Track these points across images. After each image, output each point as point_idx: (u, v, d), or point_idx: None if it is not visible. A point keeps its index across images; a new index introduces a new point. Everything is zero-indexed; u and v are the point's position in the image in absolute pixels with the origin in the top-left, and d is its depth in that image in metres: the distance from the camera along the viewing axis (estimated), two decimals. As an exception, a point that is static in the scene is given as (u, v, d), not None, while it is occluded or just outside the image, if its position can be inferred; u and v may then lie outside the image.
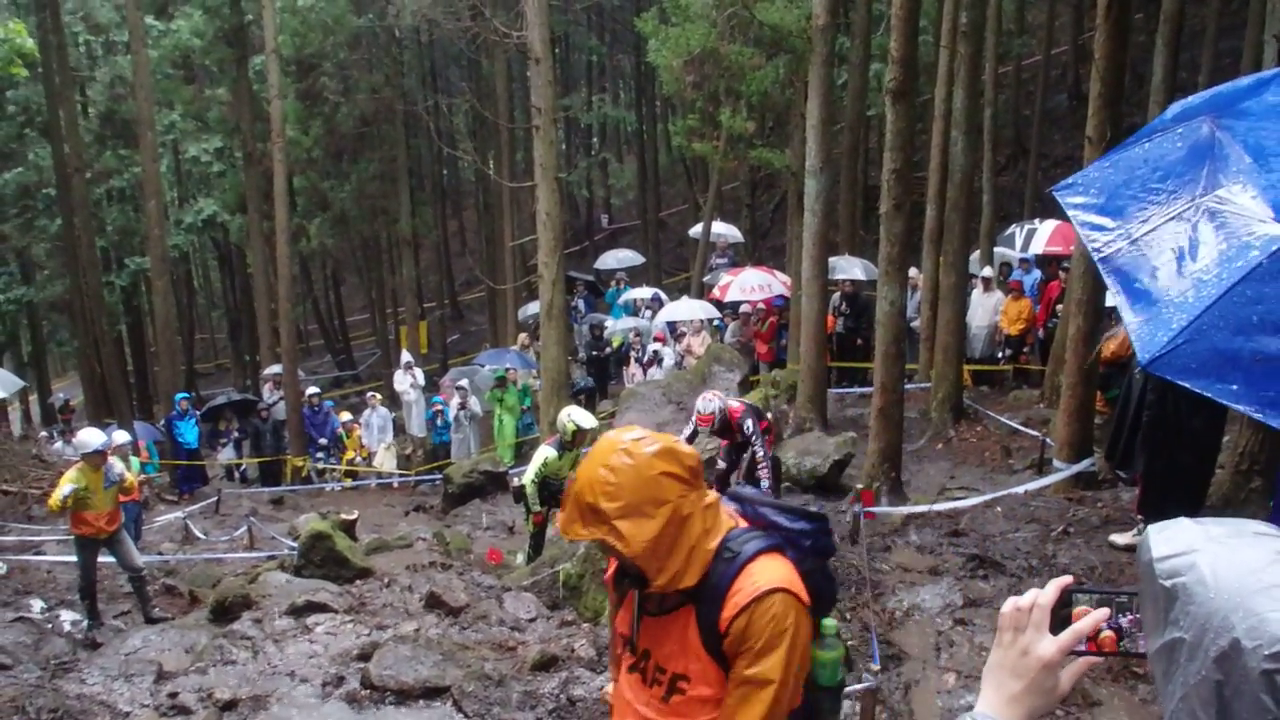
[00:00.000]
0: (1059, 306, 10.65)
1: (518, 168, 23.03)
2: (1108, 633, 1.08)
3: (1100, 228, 3.16)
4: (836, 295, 13.06)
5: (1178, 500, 5.13)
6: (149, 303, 23.81)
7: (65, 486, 7.46)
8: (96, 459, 7.70)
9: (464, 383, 15.74)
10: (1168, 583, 0.95)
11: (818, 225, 10.20)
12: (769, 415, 7.90)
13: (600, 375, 16.84)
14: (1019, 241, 13.97)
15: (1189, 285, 2.76)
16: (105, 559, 8.05)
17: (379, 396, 17.08)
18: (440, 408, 16.00)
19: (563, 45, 30.63)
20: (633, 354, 15.38)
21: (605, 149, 34.76)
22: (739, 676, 1.69)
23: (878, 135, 18.68)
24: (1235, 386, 2.62)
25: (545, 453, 8.07)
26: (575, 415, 8.10)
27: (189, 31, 20.27)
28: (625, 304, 18.50)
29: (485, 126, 24.44)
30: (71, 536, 7.99)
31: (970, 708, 1.12)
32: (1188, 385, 2.68)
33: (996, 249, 13.96)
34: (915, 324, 12.29)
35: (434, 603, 6.85)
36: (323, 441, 16.15)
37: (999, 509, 6.71)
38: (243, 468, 17.06)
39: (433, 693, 5.26)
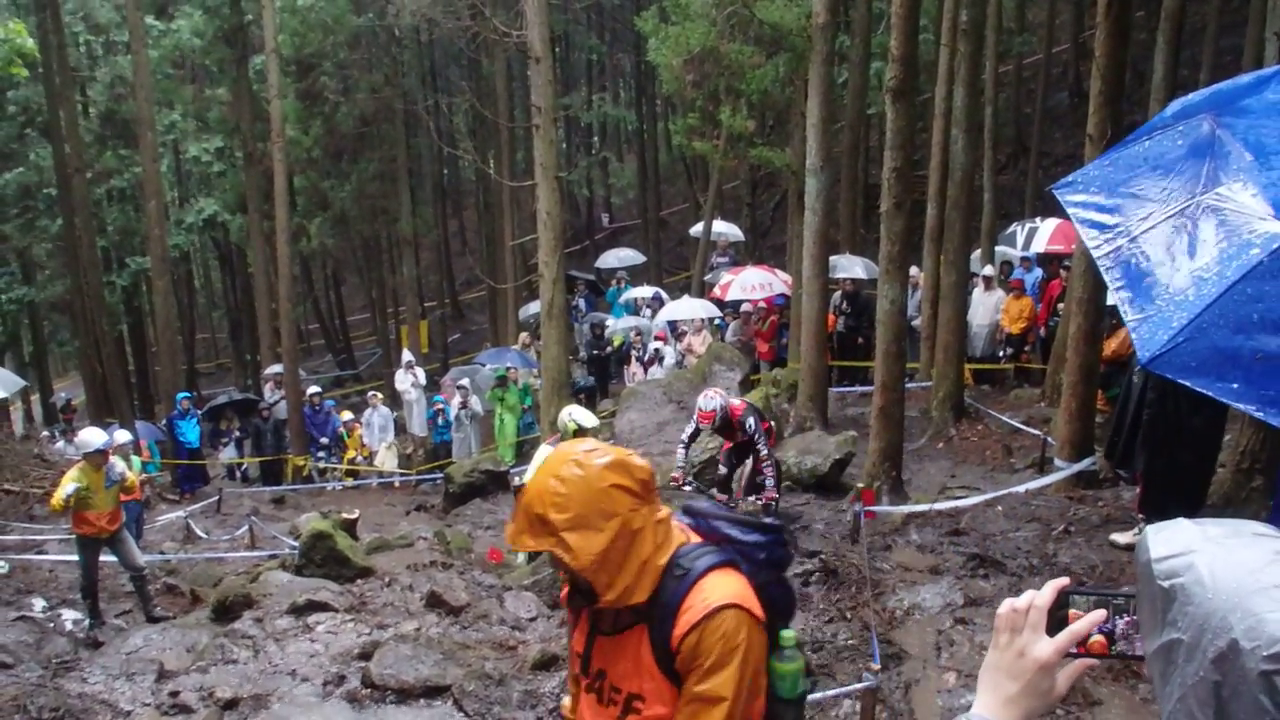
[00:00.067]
0: (1060, 305, 10.63)
1: (518, 167, 23.03)
2: (1098, 637, 1.07)
3: (1100, 225, 3.16)
4: (837, 294, 13.06)
5: (1178, 499, 5.13)
6: (150, 302, 23.84)
7: (67, 486, 7.47)
8: (98, 458, 7.71)
9: (465, 382, 15.74)
10: (1166, 583, 0.95)
11: (818, 224, 10.19)
12: (768, 419, 7.90)
13: (601, 374, 16.84)
14: (1020, 240, 13.96)
15: (1189, 283, 2.76)
16: (107, 558, 8.05)
17: (380, 396, 17.08)
18: (441, 407, 16.00)
19: (563, 44, 30.62)
20: (634, 353, 15.38)
21: (605, 148, 34.75)
22: (690, 694, 1.67)
23: (878, 134, 18.65)
24: (1236, 385, 2.61)
25: (546, 452, 8.06)
26: (576, 414, 8.08)
27: (189, 31, 20.28)
28: (626, 303, 18.50)
29: (485, 126, 24.42)
30: (73, 536, 8.00)
31: (970, 707, 1.12)
32: (1188, 383, 2.68)
33: (997, 247, 13.95)
34: (916, 323, 12.28)
35: (435, 602, 6.85)
36: (324, 441, 16.16)
37: (1000, 508, 6.71)
38: (244, 467, 17.07)
39: (433, 692, 5.27)
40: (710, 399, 7.30)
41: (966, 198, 10.34)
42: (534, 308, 17.06)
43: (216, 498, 13.86)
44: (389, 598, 7.24)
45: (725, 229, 20.26)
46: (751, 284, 15.02)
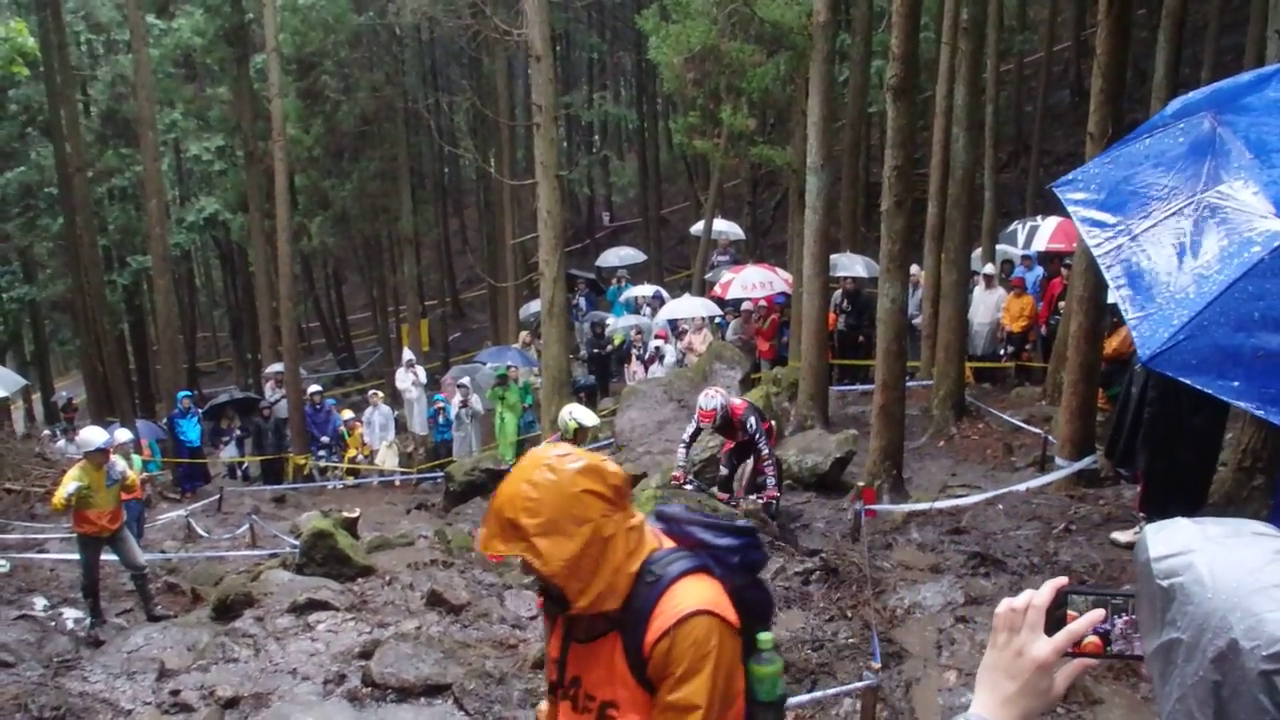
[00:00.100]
0: (1061, 303, 10.62)
1: (519, 165, 23.02)
2: (1092, 638, 1.06)
3: (1101, 224, 3.15)
4: (838, 293, 13.05)
5: (1179, 498, 5.12)
6: (151, 301, 23.86)
7: (69, 485, 7.48)
8: (99, 457, 7.72)
9: (465, 380, 15.74)
10: (1165, 583, 0.94)
11: (819, 222, 10.18)
12: (768, 419, 7.90)
13: (602, 373, 16.84)
14: (1021, 238, 13.94)
15: (1190, 281, 2.75)
16: (108, 557, 8.06)
17: (381, 394, 17.09)
18: (442, 405, 16.00)
19: (563, 43, 30.60)
20: (634, 351, 15.38)
21: (606, 146, 34.74)
22: (663, 703, 1.66)
23: (879, 132, 18.64)
24: (1236, 383, 2.60)
25: (546, 450, 8.05)
26: (577, 413, 8.10)
27: (190, 30, 20.28)
28: (627, 301, 18.49)
29: (486, 124, 24.41)
30: (74, 535, 8.00)
31: (970, 706, 1.11)
32: (1189, 382, 2.67)
33: (999, 246, 13.94)
34: (917, 321, 12.28)
35: (435, 600, 6.85)
36: (325, 439, 16.17)
37: (1000, 507, 6.70)
38: (245, 466, 17.08)
39: (434, 690, 5.27)
40: (711, 398, 7.30)
41: (967, 196, 10.33)
42: (535, 306, 17.06)
43: (217, 496, 13.87)
44: (390, 596, 7.24)
45: (726, 227, 20.25)
46: (752, 282, 15.02)
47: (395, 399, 17.61)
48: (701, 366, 12.38)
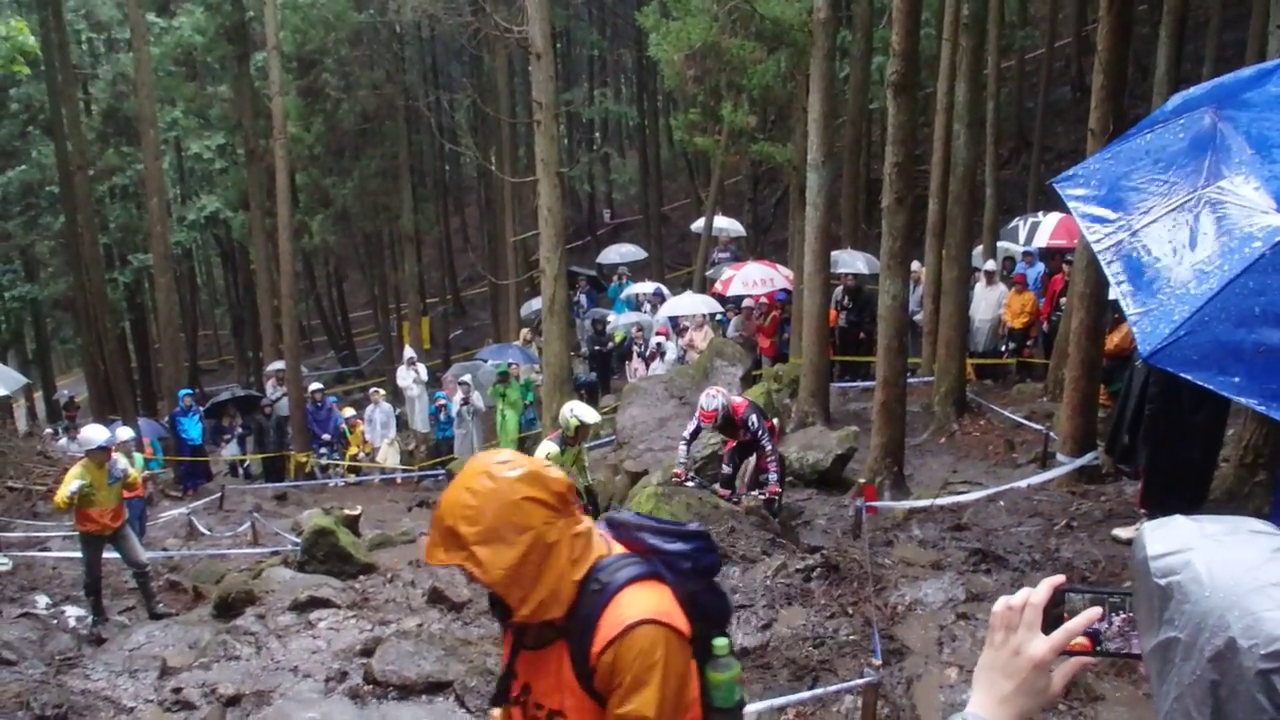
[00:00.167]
0: (1063, 300, 10.61)
1: (519, 163, 22.98)
2: (1080, 639, 1.06)
3: (1101, 219, 3.14)
4: (839, 289, 13.04)
5: (1181, 494, 5.11)
6: (152, 300, 23.89)
7: (71, 483, 7.49)
8: (101, 455, 7.72)
9: (467, 378, 15.74)
10: (1162, 581, 0.94)
11: (820, 219, 10.17)
12: (770, 417, 7.90)
13: (603, 370, 16.84)
14: (1022, 235, 13.93)
15: (1191, 277, 2.75)
16: (110, 555, 8.07)
17: (382, 392, 17.10)
18: (443, 403, 16.00)
19: (564, 40, 30.57)
20: (635, 349, 15.38)
21: (607, 144, 34.70)
22: (613, 715, 1.63)
23: (880, 129, 18.61)
24: (1238, 379, 2.60)
25: (547, 448, 8.04)
26: (578, 410, 8.08)
27: (190, 28, 20.27)
28: (627, 299, 18.48)
29: (487, 122, 24.40)
30: (76, 533, 8.01)
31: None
32: (1189, 378, 2.66)
33: (1000, 242, 13.92)
34: (918, 318, 12.27)
35: (437, 598, 6.86)
36: (326, 437, 16.18)
37: (1002, 503, 6.69)
38: (246, 464, 17.09)
39: (435, 688, 5.27)
40: (712, 398, 7.30)
41: (969, 193, 10.31)
42: (536, 304, 17.06)
43: (219, 494, 13.89)
44: (391, 594, 7.26)
45: (727, 224, 20.23)
46: (753, 279, 15.01)
47: (396, 396, 17.61)
48: (702, 363, 12.38)
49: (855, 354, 13.07)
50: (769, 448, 7.31)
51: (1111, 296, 6.64)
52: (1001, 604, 1.10)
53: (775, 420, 8.18)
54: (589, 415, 8.00)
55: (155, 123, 17.99)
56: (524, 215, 21.31)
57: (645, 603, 1.64)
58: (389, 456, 16.09)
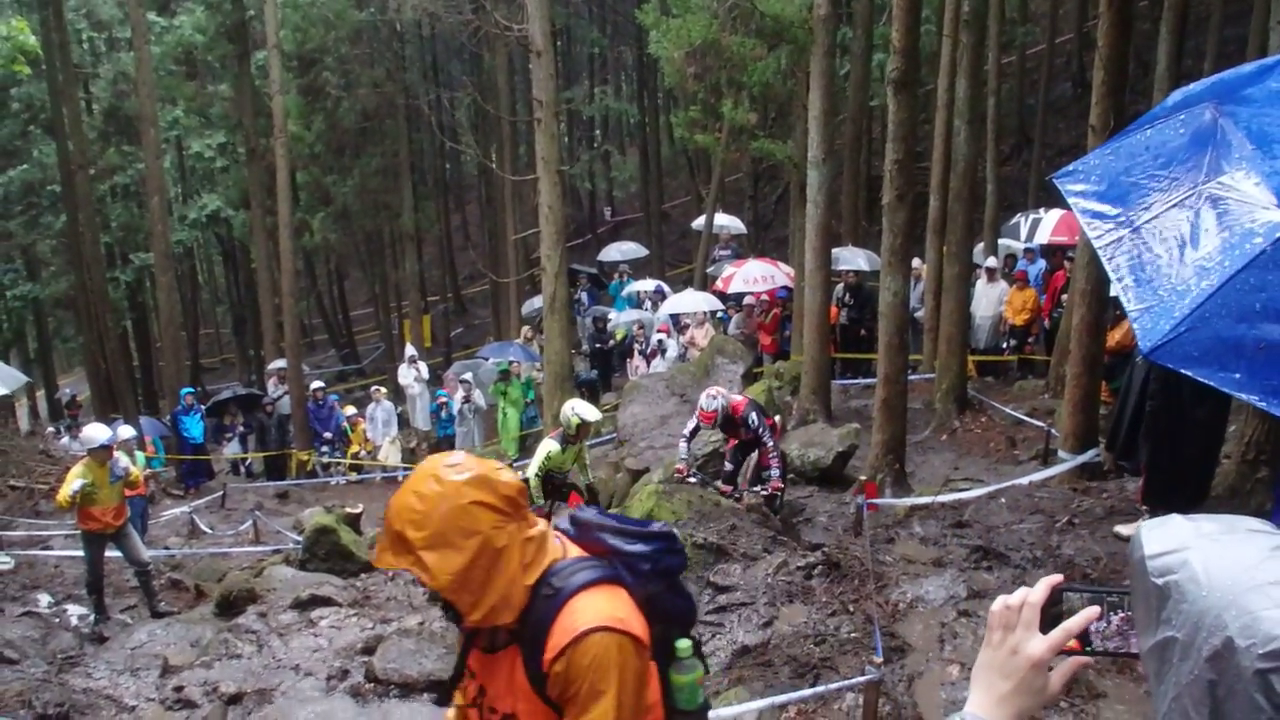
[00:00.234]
0: (1064, 296, 10.60)
1: (520, 161, 23.00)
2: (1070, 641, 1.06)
3: (1102, 215, 3.14)
4: (840, 286, 13.03)
5: (1182, 491, 5.10)
6: (153, 298, 23.92)
7: (73, 482, 7.50)
8: (102, 454, 7.74)
9: (468, 376, 15.75)
10: (1160, 580, 0.93)
11: (820, 216, 10.16)
12: (770, 415, 7.89)
13: (604, 368, 16.84)
14: (1024, 231, 13.91)
15: (1191, 273, 2.74)
16: (112, 553, 8.08)
17: (383, 390, 17.10)
18: (444, 401, 16.01)
19: (564, 38, 30.55)
20: (636, 346, 15.37)
21: (607, 141, 34.69)
22: None
23: (880, 126, 18.60)
24: (1238, 375, 2.59)
25: (549, 446, 8.05)
26: (579, 408, 8.08)
27: (191, 27, 20.28)
28: (628, 296, 18.47)
29: (487, 120, 24.40)
30: (78, 531, 8.02)
31: None
32: (1190, 374, 2.66)
33: (1001, 239, 13.90)
34: (919, 315, 12.26)
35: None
36: (327, 435, 16.19)
37: (1003, 500, 6.69)
38: (248, 462, 17.11)
39: (437, 686, 5.27)
40: (712, 399, 7.29)
41: (969, 189, 10.30)
42: (536, 302, 17.07)
43: (220, 493, 13.90)
44: (392, 592, 7.26)
45: (727, 222, 20.21)
46: (754, 277, 14.99)
47: (398, 395, 17.62)
48: (703, 361, 12.38)
49: (856, 351, 13.07)
50: (770, 444, 7.31)
51: (1112, 293, 6.64)
52: (999, 603, 1.10)
53: (777, 418, 8.18)
54: (590, 413, 8.00)
55: (156, 122, 17.99)
56: (525, 213, 21.31)
57: (599, 609, 1.60)
58: (390, 455, 16.10)
